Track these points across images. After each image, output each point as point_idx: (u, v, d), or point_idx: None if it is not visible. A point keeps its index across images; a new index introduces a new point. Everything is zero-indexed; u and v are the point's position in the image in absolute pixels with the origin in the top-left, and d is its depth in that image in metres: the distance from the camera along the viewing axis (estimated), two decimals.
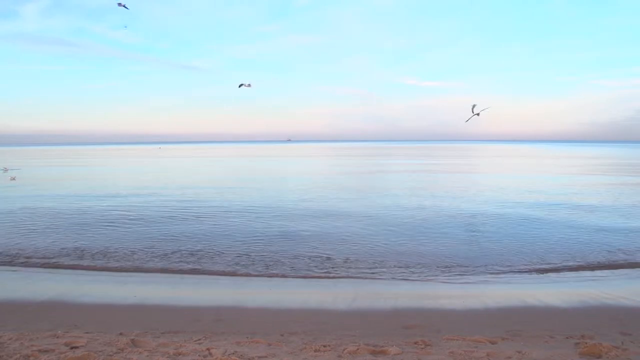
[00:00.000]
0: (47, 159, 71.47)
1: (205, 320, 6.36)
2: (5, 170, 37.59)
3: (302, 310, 6.91)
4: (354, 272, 9.21)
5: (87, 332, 5.55)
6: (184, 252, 10.76)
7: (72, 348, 4.75)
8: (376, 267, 9.54)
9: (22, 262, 10.02)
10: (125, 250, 10.93)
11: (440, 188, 24.71)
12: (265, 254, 10.58)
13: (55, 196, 21.32)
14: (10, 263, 9.97)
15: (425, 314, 6.69)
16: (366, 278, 8.88)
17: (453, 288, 8.21)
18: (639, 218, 15.16)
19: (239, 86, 14.19)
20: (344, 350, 4.85)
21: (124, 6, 13.09)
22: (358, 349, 4.86)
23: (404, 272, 9.21)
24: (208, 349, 4.82)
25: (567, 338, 5.42)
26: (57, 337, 5.20)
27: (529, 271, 9.33)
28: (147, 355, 4.60)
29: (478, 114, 12.29)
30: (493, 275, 9.05)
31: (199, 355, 4.63)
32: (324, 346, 4.99)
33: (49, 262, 10.00)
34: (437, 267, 9.56)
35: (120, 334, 5.49)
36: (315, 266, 9.64)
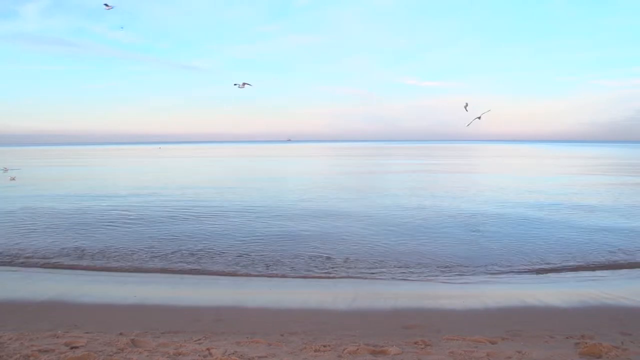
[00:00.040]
0: (47, 159, 71.47)
1: (205, 320, 6.36)
2: (6, 170, 37.59)
3: (302, 310, 6.91)
4: (354, 272, 9.21)
5: (87, 332, 5.55)
6: (184, 252, 10.76)
7: (72, 348, 4.75)
8: (376, 267, 9.54)
9: (22, 262, 10.02)
10: (125, 250, 10.93)
11: (440, 188, 24.71)
12: (265, 254, 10.58)
13: (55, 196, 21.32)
14: (10, 263, 9.97)
15: (425, 314, 6.69)
16: (366, 278, 8.88)
17: (453, 288, 8.21)
18: (639, 218, 15.16)
19: (234, 84, 14.05)
20: (344, 350, 4.85)
21: (107, 5, 13.07)
22: (358, 349, 4.86)
23: (404, 272, 9.21)
24: (208, 349, 4.82)
25: (567, 338, 5.42)
26: (57, 337, 5.20)
27: (529, 271, 9.33)
28: (147, 355, 4.60)
29: (479, 117, 12.47)
30: (493, 275, 9.05)
31: (199, 355, 4.63)
32: (324, 346, 4.99)
33: (49, 262, 10.00)
34: (437, 267, 9.56)
35: (120, 334, 5.49)
36: (315, 266, 9.64)
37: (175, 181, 29.94)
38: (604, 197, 20.29)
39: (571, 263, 9.84)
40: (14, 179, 29.39)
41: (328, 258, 10.19)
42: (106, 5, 13.14)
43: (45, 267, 9.70)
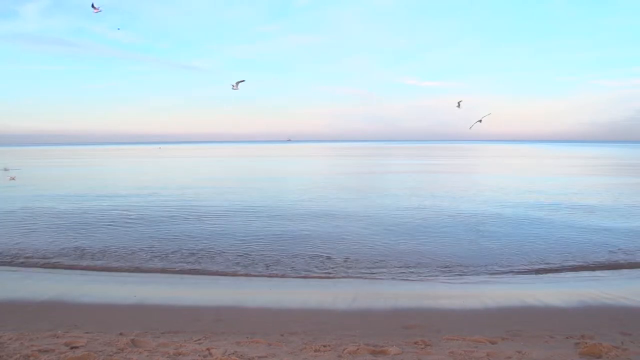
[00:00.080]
0: (47, 159, 71.47)
1: (205, 320, 6.36)
2: (6, 170, 37.61)
3: (302, 310, 6.91)
4: (354, 272, 9.21)
5: (87, 332, 5.55)
6: (184, 252, 10.76)
7: (72, 348, 4.75)
8: (376, 267, 9.54)
9: (22, 262, 10.02)
10: (125, 250, 10.93)
11: (440, 188, 24.71)
12: (265, 254, 10.58)
13: (55, 196, 21.32)
14: (10, 263, 9.97)
15: (425, 314, 6.69)
16: (366, 278, 8.88)
17: (453, 288, 8.21)
18: (639, 218, 15.16)
19: (237, 84, 13.97)
20: (344, 350, 4.85)
21: (95, 8, 13.03)
22: (358, 349, 4.86)
23: (404, 272, 9.21)
24: (208, 349, 4.82)
25: (567, 338, 5.42)
26: (57, 337, 5.20)
27: (529, 271, 9.33)
28: (147, 355, 4.60)
29: (480, 121, 12.76)
30: (493, 275, 9.05)
31: (199, 355, 4.63)
32: (324, 346, 4.99)
33: (49, 262, 10.00)
34: (437, 267, 9.56)
35: (120, 334, 5.49)
36: (315, 266, 9.64)
37: (175, 181, 29.94)
38: (604, 197, 20.29)
39: (571, 263, 9.84)
40: (14, 178, 29.41)
41: (328, 258, 10.19)
42: (94, 7, 13.08)
43: (45, 267, 9.70)
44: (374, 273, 9.16)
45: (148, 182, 29.47)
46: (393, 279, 8.84)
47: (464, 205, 17.98)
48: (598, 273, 9.22)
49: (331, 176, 35.19)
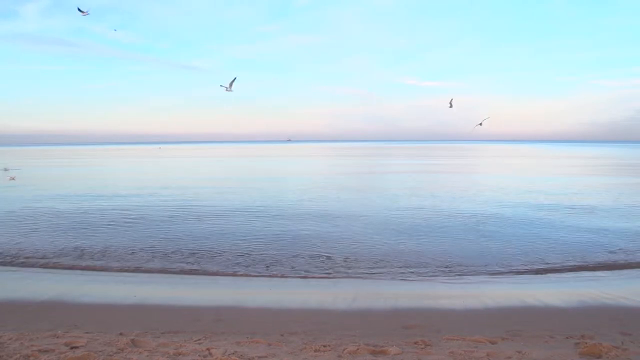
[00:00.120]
0: (47, 159, 71.48)
1: (205, 320, 6.36)
2: (6, 170, 37.61)
3: (302, 310, 6.91)
4: (354, 272, 9.21)
5: (87, 332, 5.55)
6: (184, 252, 10.76)
7: (72, 348, 4.75)
8: (376, 267, 9.54)
9: (22, 262, 10.02)
10: (125, 250, 10.93)
11: (440, 188, 24.71)
12: (265, 254, 10.58)
13: (55, 196, 21.32)
14: (10, 263, 9.97)
15: (425, 314, 6.69)
16: (366, 278, 8.88)
17: (453, 288, 8.21)
18: (639, 218, 15.16)
19: (229, 90, 13.84)
20: (344, 350, 4.85)
21: (82, 11, 13.05)
22: (358, 349, 4.86)
23: (403, 272, 9.21)
24: (208, 349, 4.82)
25: (567, 338, 5.42)
26: (57, 337, 5.20)
27: (529, 271, 9.33)
28: (147, 355, 4.60)
29: (481, 124, 12.88)
30: (493, 275, 9.05)
31: (199, 355, 4.63)
32: (324, 346, 4.99)
33: (49, 262, 10.00)
34: (437, 267, 9.56)
35: (120, 334, 5.49)
36: (315, 266, 9.64)
37: (175, 181, 29.93)
38: (604, 197, 20.29)
39: (571, 263, 9.84)
40: (14, 178, 29.42)
41: (328, 258, 10.19)
42: (81, 11, 13.09)
43: (45, 267, 9.69)
44: (374, 273, 9.16)
45: (148, 182, 29.48)
46: (393, 279, 8.84)
47: (464, 205, 17.98)
48: (598, 273, 9.22)
49: (331, 176, 35.19)
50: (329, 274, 9.16)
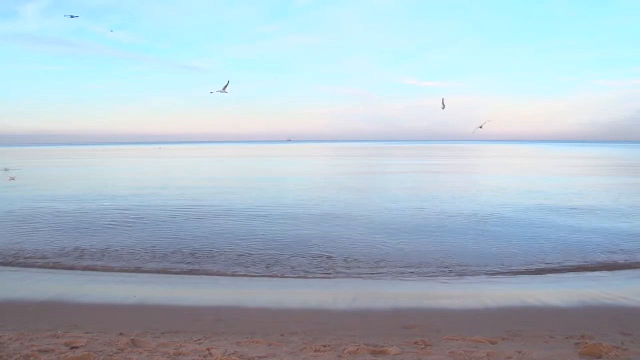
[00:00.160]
0: (47, 159, 71.48)
1: (205, 320, 6.36)
2: (6, 170, 37.62)
3: (302, 310, 6.91)
4: (354, 272, 9.21)
5: (87, 332, 5.55)
6: (184, 252, 10.76)
7: (72, 348, 4.75)
8: (376, 267, 9.54)
9: (22, 262, 10.02)
10: (125, 250, 10.94)
11: (440, 188, 24.71)
12: (265, 254, 10.58)
13: (55, 196, 21.32)
14: (10, 263, 9.97)
15: (425, 314, 6.69)
16: (366, 278, 8.88)
17: (453, 288, 8.21)
18: (639, 218, 15.16)
19: (224, 91, 13.76)
20: (344, 350, 4.85)
21: (71, 16, 13.11)
22: (358, 349, 4.86)
23: (403, 272, 9.21)
24: (208, 349, 4.82)
25: (567, 338, 5.42)
26: (57, 337, 5.20)
27: (529, 271, 9.33)
28: (147, 355, 4.60)
29: (481, 127, 12.91)
30: (493, 275, 9.05)
31: (199, 355, 4.63)
32: (324, 346, 4.99)
33: (49, 262, 10.00)
34: (437, 267, 9.56)
35: (120, 334, 5.49)
36: (315, 266, 9.64)
37: (175, 181, 29.93)
38: (604, 197, 20.29)
39: (571, 263, 9.84)
40: (13, 178, 29.42)
41: (328, 258, 10.20)
42: (70, 16, 13.17)
43: (45, 267, 9.69)
44: (374, 273, 9.16)
45: (148, 182, 29.48)
46: (393, 279, 8.84)
47: (464, 205, 17.98)
48: (598, 273, 9.22)
49: (331, 176, 35.20)
50: (329, 274, 9.16)
